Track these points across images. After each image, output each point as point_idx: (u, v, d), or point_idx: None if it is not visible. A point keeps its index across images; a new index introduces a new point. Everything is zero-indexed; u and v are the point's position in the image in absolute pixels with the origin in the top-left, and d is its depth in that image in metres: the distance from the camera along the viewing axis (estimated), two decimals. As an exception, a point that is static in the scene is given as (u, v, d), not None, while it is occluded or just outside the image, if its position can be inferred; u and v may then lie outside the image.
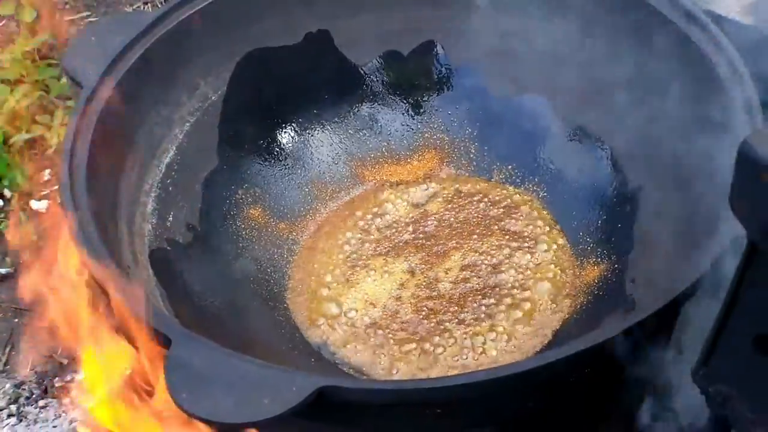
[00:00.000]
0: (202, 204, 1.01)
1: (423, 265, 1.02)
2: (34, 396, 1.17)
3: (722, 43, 0.88)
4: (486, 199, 1.08)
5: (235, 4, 1.04)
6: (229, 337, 0.84)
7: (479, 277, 1.00)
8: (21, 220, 1.32)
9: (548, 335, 0.95)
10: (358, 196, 1.11)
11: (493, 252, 1.02)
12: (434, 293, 0.99)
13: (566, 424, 0.81)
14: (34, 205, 1.36)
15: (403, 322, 0.97)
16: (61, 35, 1.53)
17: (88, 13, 1.74)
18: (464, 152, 1.12)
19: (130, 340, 0.77)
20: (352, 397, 0.68)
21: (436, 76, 1.13)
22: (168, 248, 0.94)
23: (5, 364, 1.21)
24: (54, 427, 1.14)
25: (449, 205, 1.08)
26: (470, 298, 0.98)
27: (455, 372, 0.92)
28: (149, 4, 1.75)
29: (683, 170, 0.87)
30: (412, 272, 1.02)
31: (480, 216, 1.07)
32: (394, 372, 0.93)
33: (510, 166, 1.10)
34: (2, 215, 1.38)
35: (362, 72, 1.13)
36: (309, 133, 1.12)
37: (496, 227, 1.05)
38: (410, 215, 1.08)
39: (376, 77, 1.13)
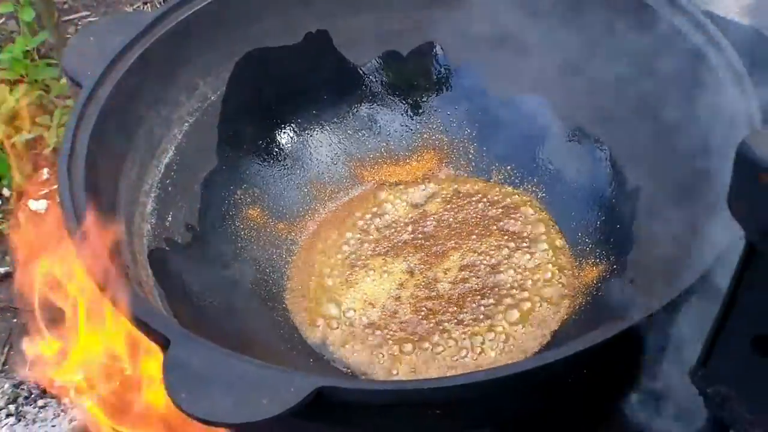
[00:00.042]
0: (201, 204, 1.01)
1: (422, 265, 1.02)
2: (33, 396, 1.17)
3: (721, 44, 0.88)
4: (485, 200, 1.08)
5: (234, 4, 1.04)
6: (228, 337, 0.84)
7: (478, 278, 1.00)
8: (20, 220, 1.32)
9: (547, 336, 0.95)
10: (357, 196, 1.11)
11: (492, 252, 1.02)
12: (433, 293, 0.99)
13: (565, 424, 0.81)
14: (33, 204, 1.36)
15: (401, 323, 0.97)
16: (60, 35, 1.53)
17: (88, 13, 1.75)
18: (463, 153, 1.12)
19: (130, 341, 0.77)
20: (350, 397, 0.68)
21: (435, 77, 1.13)
22: (167, 248, 0.94)
23: (4, 364, 1.21)
24: (53, 426, 1.14)
25: (448, 206, 1.08)
26: (469, 299, 0.98)
27: (454, 372, 0.92)
28: (149, 4, 1.75)
29: (682, 171, 0.87)
30: (411, 272, 1.02)
31: (479, 216, 1.07)
32: (393, 372, 0.93)
33: (509, 167, 1.10)
34: (1, 215, 1.38)
35: (361, 72, 1.13)
36: (308, 134, 1.12)
37: (495, 227, 1.05)
38: (409, 215, 1.08)
39: (376, 77, 1.13)
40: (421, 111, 1.14)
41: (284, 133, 1.11)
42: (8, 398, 1.17)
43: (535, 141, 1.08)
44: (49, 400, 1.17)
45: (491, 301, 0.98)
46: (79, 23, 1.73)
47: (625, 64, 0.94)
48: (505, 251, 1.02)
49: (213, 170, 1.04)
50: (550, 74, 1.04)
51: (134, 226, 0.92)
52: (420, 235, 1.05)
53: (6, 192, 1.40)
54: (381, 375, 0.93)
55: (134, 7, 1.74)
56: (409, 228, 1.06)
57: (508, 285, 0.99)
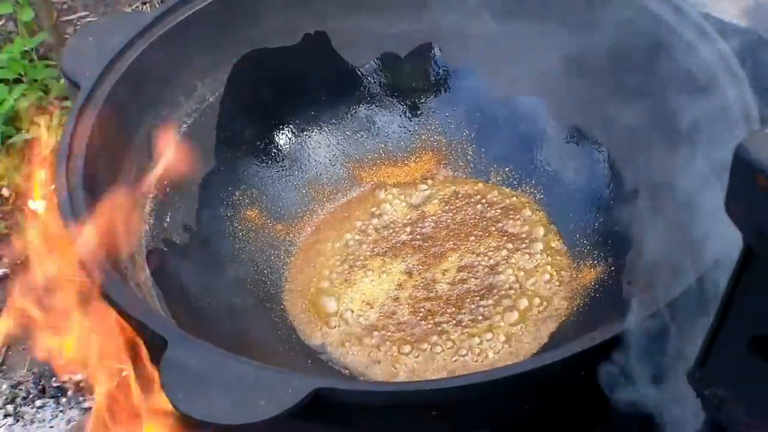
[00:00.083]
0: (199, 205, 1.01)
1: (420, 266, 1.02)
2: (31, 396, 1.17)
3: (720, 47, 0.88)
4: (483, 201, 1.08)
5: (232, 5, 1.04)
6: (226, 338, 0.84)
7: (476, 279, 1.00)
8: (19, 221, 1.32)
9: (545, 337, 0.95)
10: (355, 197, 1.11)
11: (491, 253, 1.02)
12: (431, 294, 0.99)
13: (563, 425, 0.81)
14: (32, 205, 1.36)
15: (400, 323, 0.97)
16: (59, 35, 1.53)
17: (86, 13, 1.75)
18: (461, 154, 1.12)
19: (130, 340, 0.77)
20: (348, 398, 0.68)
21: (433, 78, 1.13)
22: (165, 249, 0.94)
23: (2, 365, 1.21)
24: (51, 427, 1.14)
25: (446, 207, 1.08)
26: (467, 300, 0.98)
27: (453, 373, 0.92)
28: (147, 5, 1.75)
29: (680, 172, 0.87)
30: (409, 273, 1.02)
31: (477, 217, 1.07)
32: (392, 373, 0.93)
33: (507, 168, 1.10)
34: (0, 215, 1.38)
35: (360, 73, 1.13)
36: (306, 135, 1.12)
37: (494, 229, 1.05)
38: (408, 216, 1.08)
39: (374, 79, 1.13)
40: (419, 112, 1.14)
41: (282, 134, 1.11)
42: (6, 399, 1.17)
43: (533, 142, 1.08)
44: (47, 400, 1.17)
45: (490, 302, 0.98)
46: (78, 23, 1.72)
47: (623, 67, 0.94)
48: (504, 252, 1.02)
49: (211, 171, 1.04)
50: (549, 75, 1.04)
51: (132, 226, 0.92)
52: (418, 236, 1.05)
53: (5, 192, 1.40)
54: (379, 376, 0.93)
55: (133, 7, 1.74)
56: (408, 229, 1.06)
57: (507, 286, 0.99)
